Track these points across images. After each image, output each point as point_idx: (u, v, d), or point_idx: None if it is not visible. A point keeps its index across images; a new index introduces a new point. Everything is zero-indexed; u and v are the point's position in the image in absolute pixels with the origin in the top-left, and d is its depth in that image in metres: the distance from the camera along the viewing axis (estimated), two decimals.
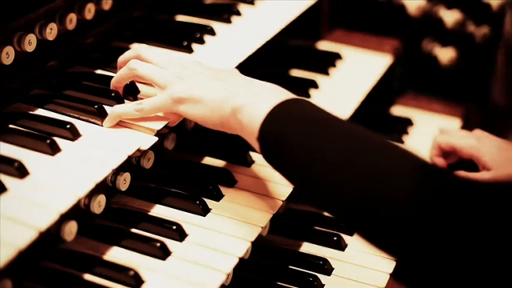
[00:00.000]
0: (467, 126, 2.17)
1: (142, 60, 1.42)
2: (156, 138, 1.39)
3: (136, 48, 1.47)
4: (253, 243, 1.40)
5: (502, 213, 1.08)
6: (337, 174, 1.17)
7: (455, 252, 1.08)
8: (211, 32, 1.72)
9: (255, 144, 1.30)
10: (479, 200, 1.11)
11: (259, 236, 1.42)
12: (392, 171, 1.15)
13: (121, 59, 1.47)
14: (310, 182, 1.22)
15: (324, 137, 1.21)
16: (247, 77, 1.40)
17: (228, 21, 1.78)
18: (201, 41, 1.68)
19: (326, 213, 1.70)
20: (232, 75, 1.40)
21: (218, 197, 1.49)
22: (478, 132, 1.65)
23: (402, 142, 2.01)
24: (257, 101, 1.29)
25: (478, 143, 1.61)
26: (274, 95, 1.30)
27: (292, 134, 1.23)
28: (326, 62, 2.02)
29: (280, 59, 2.02)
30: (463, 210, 1.09)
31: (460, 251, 1.08)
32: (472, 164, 1.61)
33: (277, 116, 1.26)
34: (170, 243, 1.36)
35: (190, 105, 1.36)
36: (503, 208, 1.09)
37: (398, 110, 2.19)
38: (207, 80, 1.37)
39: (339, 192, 1.17)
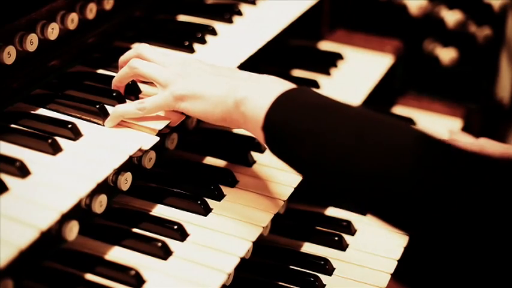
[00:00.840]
0: (469, 126, 2.17)
1: (143, 59, 1.43)
2: (158, 138, 1.39)
3: (137, 47, 1.47)
4: (255, 243, 1.40)
5: (505, 185, 1.09)
6: (349, 153, 1.17)
7: (460, 223, 1.08)
8: (213, 32, 1.72)
9: (260, 135, 1.28)
10: (482, 171, 1.11)
11: (261, 236, 1.42)
12: (398, 146, 1.15)
13: (122, 58, 1.47)
14: (321, 164, 1.21)
15: (331, 119, 1.21)
16: (248, 72, 1.40)
17: (230, 21, 1.78)
18: (203, 41, 1.68)
19: (327, 213, 1.70)
20: (232, 71, 1.40)
21: (219, 196, 1.49)
22: (482, 140, 1.64)
23: None
24: (260, 91, 1.29)
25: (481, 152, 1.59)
26: (277, 85, 1.30)
27: (300, 119, 1.23)
28: (327, 62, 2.02)
29: (281, 59, 2.02)
30: (465, 182, 1.09)
31: (464, 221, 1.08)
32: None
33: (282, 103, 1.26)
34: (171, 243, 1.36)
35: (192, 101, 1.35)
36: (507, 180, 1.09)
37: (399, 110, 2.18)
38: (207, 76, 1.37)
39: (352, 171, 1.17)
